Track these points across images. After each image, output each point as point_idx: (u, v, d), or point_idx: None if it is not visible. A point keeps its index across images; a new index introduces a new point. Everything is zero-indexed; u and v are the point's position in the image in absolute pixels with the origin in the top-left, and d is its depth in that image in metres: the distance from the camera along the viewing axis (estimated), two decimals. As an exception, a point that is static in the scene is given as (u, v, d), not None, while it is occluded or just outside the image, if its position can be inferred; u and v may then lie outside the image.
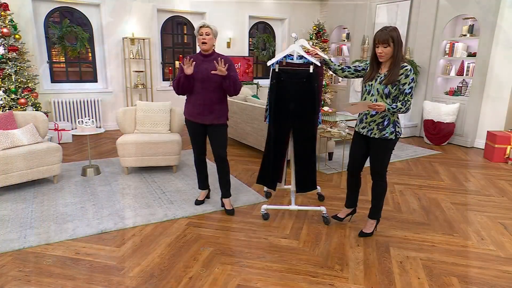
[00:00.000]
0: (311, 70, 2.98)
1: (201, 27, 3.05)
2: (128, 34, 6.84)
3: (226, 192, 3.42)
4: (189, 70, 2.98)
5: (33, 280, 2.37)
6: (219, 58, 3.01)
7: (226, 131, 3.29)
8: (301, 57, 3.21)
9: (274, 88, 3.02)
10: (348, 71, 2.94)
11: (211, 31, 3.06)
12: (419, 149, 5.93)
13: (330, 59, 3.00)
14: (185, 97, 3.29)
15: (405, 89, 2.61)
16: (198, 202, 3.57)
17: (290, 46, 3.06)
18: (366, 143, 2.87)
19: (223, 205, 3.47)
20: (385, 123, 2.71)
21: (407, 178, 4.50)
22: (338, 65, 2.98)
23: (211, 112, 3.16)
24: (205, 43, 3.06)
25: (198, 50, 7.85)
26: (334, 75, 8.68)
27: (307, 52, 3.02)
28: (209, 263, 2.60)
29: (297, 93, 3.03)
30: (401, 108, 2.61)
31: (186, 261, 2.62)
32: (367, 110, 2.74)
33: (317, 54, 2.99)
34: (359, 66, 2.90)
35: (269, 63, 3.11)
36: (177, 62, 7.50)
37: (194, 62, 3.03)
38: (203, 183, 3.56)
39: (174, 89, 3.17)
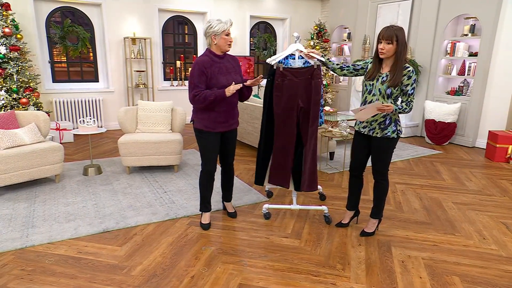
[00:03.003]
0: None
1: (227, 26, 2.79)
2: (129, 33, 6.85)
3: (229, 195, 3.37)
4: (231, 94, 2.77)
5: (35, 279, 2.38)
6: (260, 76, 2.83)
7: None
8: (302, 56, 3.21)
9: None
10: (347, 70, 2.93)
11: None
12: (420, 149, 5.92)
13: (328, 59, 2.97)
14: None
15: (408, 90, 2.61)
16: (206, 227, 3.09)
17: (291, 45, 3.06)
18: (368, 142, 2.87)
19: (224, 207, 3.44)
20: (387, 122, 2.70)
21: (408, 178, 4.50)
22: (337, 64, 2.96)
23: (233, 117, 2.99)
24: (231, 44, 2.86)
25: (200, 50, 7.86)
26: (336, 75, 8.72)
27: (304, 53, 3.00)
28: (211, 262, 2.60)
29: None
30: (406, 108, 2.63)
31: (188, 260, 2.62)
32: (377, 113, 2.70)
33: (310, 56, 2.93)
34: (358, 65, 2.89)
35: (268, 60, 3.09)
36: (178, 62, 7.50)
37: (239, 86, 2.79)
38: (209, 203, 3.15)
39: (196, 103, 2.79)
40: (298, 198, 3.79)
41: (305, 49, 3.00)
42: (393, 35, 2.56)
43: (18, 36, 5.39)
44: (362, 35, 7.81)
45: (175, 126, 4.72)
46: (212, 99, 2.73)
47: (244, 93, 3.02)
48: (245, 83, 2.92)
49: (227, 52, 2.93)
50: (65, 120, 6.45)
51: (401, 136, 2.82)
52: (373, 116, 2.73)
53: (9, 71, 5.20)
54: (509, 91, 5.70)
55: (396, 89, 2.62)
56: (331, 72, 8.61)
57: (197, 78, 2.75)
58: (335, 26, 8.50)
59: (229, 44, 2.82)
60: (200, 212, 3.35)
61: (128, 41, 6.81)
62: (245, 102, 5.41)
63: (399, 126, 2.76)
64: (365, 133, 2.82)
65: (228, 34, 2.80)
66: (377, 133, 2.74)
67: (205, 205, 3.12)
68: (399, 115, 2.77)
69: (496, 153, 5.27)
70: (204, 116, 2.87)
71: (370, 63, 2.79)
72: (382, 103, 2.66)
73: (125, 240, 2.88)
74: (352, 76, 2.96)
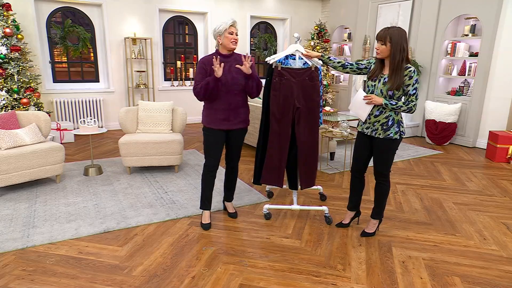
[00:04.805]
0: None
1: (231, 25, 2.82)
2: (129, 34, 6.86)
3: (231, 195, 3.37)
4: (219, 72, 2.72)
5: (36, 279, 2.38)
6: (246, 54, 2.84)
7: (245, 135, 3.18)
8: (302, 57, 3.21)
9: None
10: (350, 68, 2.91)
11: (237, 30, 2.90)
12: (421, 149, 5.92)
13: (328, 57, 2.96)
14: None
15: (409, 90, 2.60)
16: (207, 227, 3.11)
17: (291, 45, 3.06)
18: (370, 143, 2.86)
19: (225, 208, 3.44)
20: (390, 123, 2.70)
21: (409, 178, 4.50)
22: (338, 62, 2.93)
23: (236, 116, 2.97)
24: (236, 42, 2.86)
25: (200, 50, 7.87)
26: (336, 75, 8.71)
27: (303, 53, 3.02)
28: (211, 263, 2.60)
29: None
30: (401, 106, 2.60)
31: (188, 260, 2.63)
32: (372, 105, 2.71)
33: (308, 55, 2.97)
34: (361, 64, 2.87)
35: (267, 59, 3.09)
36: (178, 62, 7.50)
37: (223, 64, 2.78)
38: (209, 202, 3.15)
39: (197, 95, 2.86)
40: (298, 198, 3.79)
41: (304, 50, 3.01)
42: (386, 35, 2.54)
43: (19, 36, 5.39)
44: (362, 35, 7.81)
45: (175, 127, 4.72)
46: (205, 84, 2.80)
47: (248, 85, 2.93)
48: (237, 66, 2.85)
49: (239, 54, 2.97)
50: (66, 120, 6.46)
51: (404, 137, 2.80)
52: (375, 117, 2.73)
53: (10, 72, 5.21)
54: (509, 91, 5.69)
55: (398, 90, 2.62)
56: (332, 72, 8.61)
57: (198, 75, 2.90)
58: (335, 26, 8.50)
59: (233, 42, 2.87)
60: (201, 212, 3.38)
61: (129, 41, 6.81)
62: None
63: (402, 127, 2.74)
64: (367, 134, 2.81)
65: (231, 33, 2.85)
66: (380, 134, 2.73)
67: (204, 202, 3.14)
68: (402, 116, 2.75)
69: (496, 154, 5.26)
70: (206, 112, 3.01)
71: (374, 63, 2.78)
72: (384, 103, 2.66)
73: (126, 241, 2.88)
74: (355, 74, 2.97)
